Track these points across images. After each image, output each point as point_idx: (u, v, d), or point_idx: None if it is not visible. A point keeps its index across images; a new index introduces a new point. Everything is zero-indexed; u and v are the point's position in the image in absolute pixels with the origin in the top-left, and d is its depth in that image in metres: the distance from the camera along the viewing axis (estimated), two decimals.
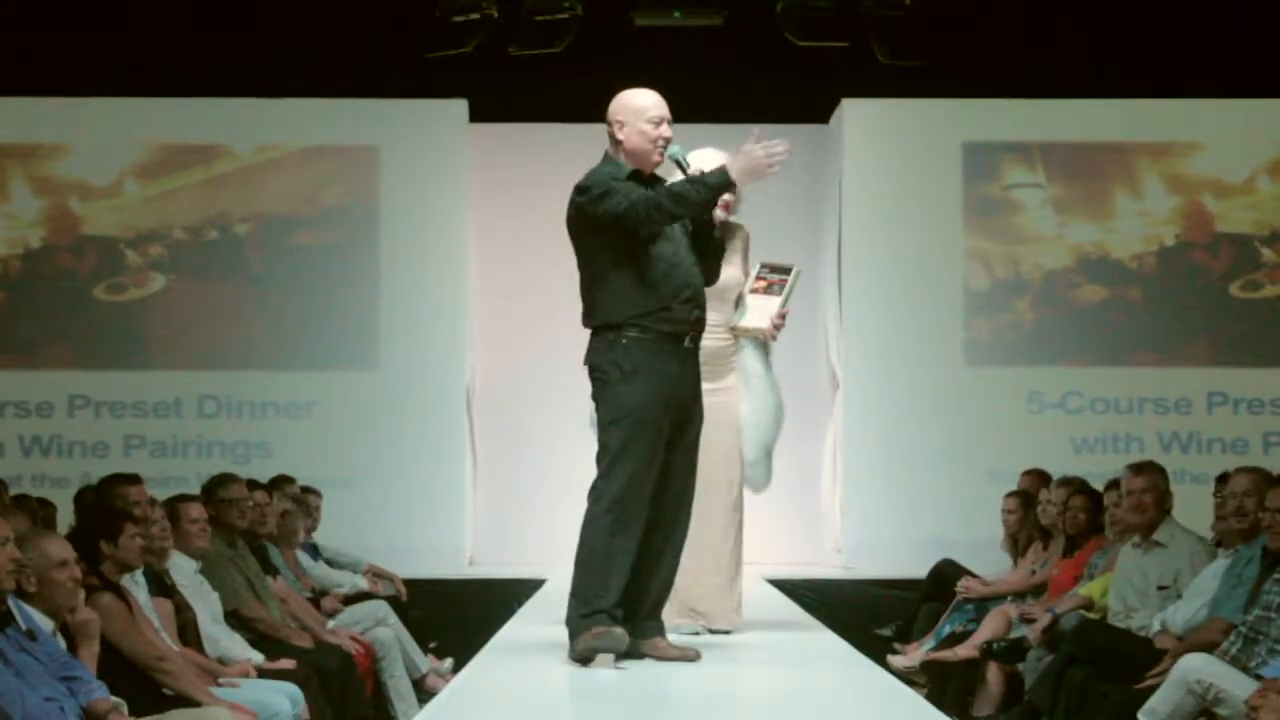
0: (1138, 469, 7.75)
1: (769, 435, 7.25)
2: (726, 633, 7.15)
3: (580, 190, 6.06)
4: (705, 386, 6.99)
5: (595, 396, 6.14)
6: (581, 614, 6.02)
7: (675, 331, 6.10)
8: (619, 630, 5.98)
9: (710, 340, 7.10)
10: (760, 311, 7.15)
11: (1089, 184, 12.16)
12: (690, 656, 6.27)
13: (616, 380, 6.02)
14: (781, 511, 10.66)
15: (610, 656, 6.01)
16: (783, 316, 7.11)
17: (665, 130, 6.15)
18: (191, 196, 12.18)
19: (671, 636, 6.49)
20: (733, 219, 7.28)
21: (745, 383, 7.21)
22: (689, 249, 6.23)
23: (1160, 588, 7.44)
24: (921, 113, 12.18)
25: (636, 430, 6.00)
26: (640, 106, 6.18)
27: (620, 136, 6.15)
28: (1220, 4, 11.83)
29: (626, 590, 6.10)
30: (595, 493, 6.05)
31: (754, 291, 7.19)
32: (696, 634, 7.05)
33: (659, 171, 6.30)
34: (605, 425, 6.08)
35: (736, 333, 7.18)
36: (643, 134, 6.13)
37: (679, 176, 6.15)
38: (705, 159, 6.85)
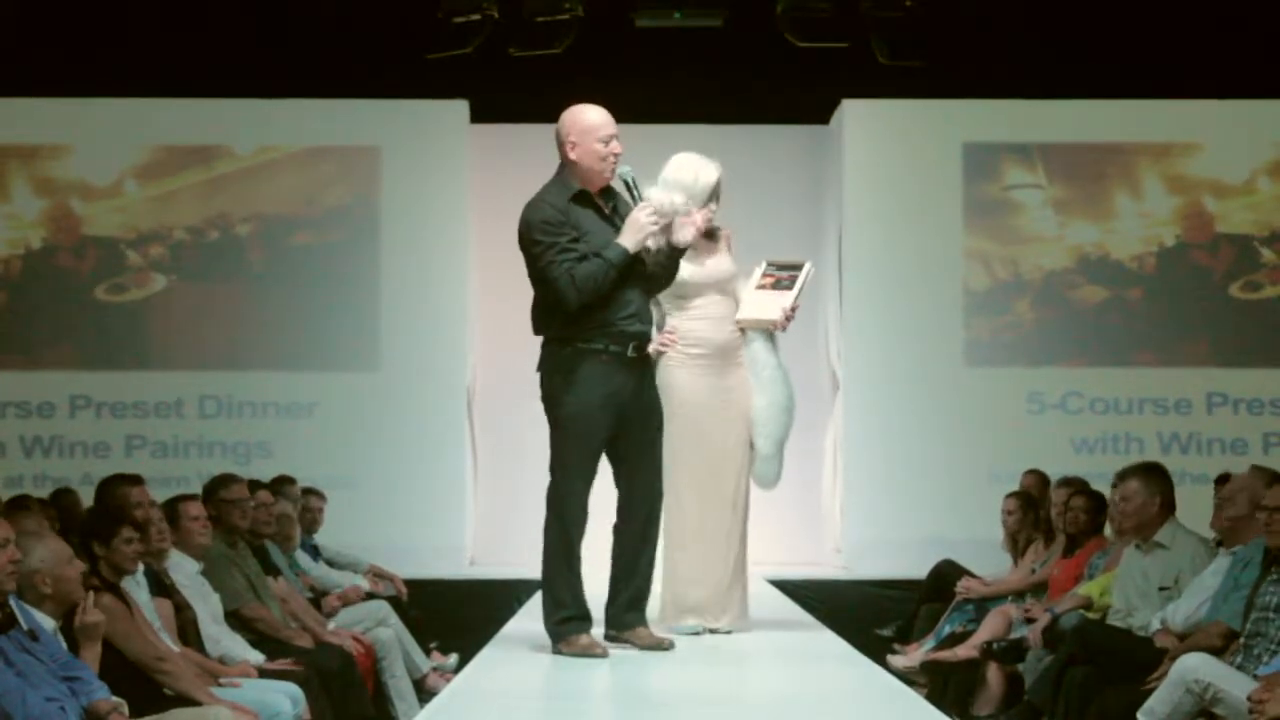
0: (1119, 477, 7.77)
1: (782, 428, 7.22)
2: (727, 633, 7.16)
3: (527, 226, 6.35)
4: (712, 384, 7.07)
5: (543, 405, 6.49)
6: (556, 620, 6.43)
7: (618, 345, 6.38)
8: (600, 645, 6.39)
9: (717, 333, 7.13)
10: (770, 303, 7.17)
11: (1089, 185, 12.16)
12: (665, 645, 6.53)
13: (559, 390, 6.40)
14: (782, 512, 10.65)
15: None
16: (794, 309, 7.13)
17: (615, 147, 6.41)
18: (192, 197, 12.17)
19: (671, 634, 6.68)
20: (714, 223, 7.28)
21: (756, 375, 7.19)
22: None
23: (1162, 588, 7.44)
24: (921, 113, 12.18)
25: (577, 438, 6.41)
26: (591, 125, 6.40)
27: (573, 156, 6.40)
28: (1219, 4, 11.82)
29: (610, 585, 6.55)
30: (547, 499, 6.49)
31: (760, 287, 7.22)
32: (697, 633, 7.07)
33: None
34: (552, 433, 6.48)
35: (744, 325, 7.18)
36: (594, 153, 6.38)
37: (627, 196, 6.49)
38: (685, 165, 6.97)
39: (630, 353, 6.42)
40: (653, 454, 6.60)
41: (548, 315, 6.41)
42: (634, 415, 6.48)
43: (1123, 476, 7.74)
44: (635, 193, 6.51)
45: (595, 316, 6.34)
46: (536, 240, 6.31)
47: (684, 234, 6.50)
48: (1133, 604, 7.52)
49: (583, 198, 6.40)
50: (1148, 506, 7.59)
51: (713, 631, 7.12)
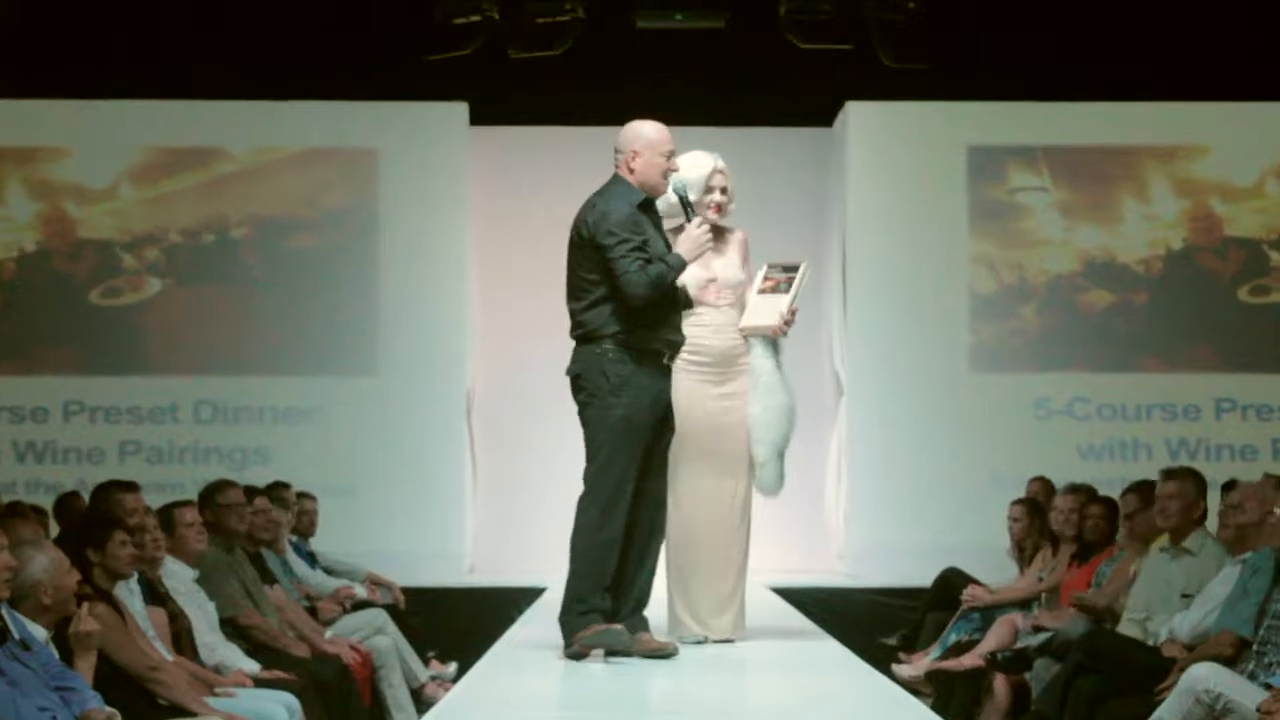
0: (1168, 474, 7.73)
1: (779, 435, 7.12)
2: (730, 642, 7.09)
3: (604, 217, 6.46)
4: (712, 391, 7.03)
5: (582, 406, 6.55)
6: (579, 612, 6.44)
7: (660, 350, 6.59)
8: (618, 627, 6.43)
9: (718, 340, 7.07)
10: (769, 309, 7.11)
11: (1095, 188, 12.12)
12: (667, 651, 6.57)
13: (605, 392, 6.47)
14: (785, 519, 10.58)
15: (601, 651, 6.42)
16: (793, 313, 7.10)
17: (674, 163, 6.67)
18: (189, 200, 12.13)
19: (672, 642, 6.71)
20: (725, 221, 7.22)
21: (754, 382, 7.12)
22: None
23: (1184, 595, 7.38)
24: (926, 116, 12.15)
25: (624, 440, 6.47)
26: (655, 139, 6.62)
27: (634, 166, 6.60)
28: (1226, 6, 11.77)
29: (614, 589, 6.57)
30: (585, 499, 6.50)
31: (762, 291, 7.17)
32: (700, 642, 7.03)
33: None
34: (594, 435, 6.51)
35: (745, 332, 7.11)
36: (657, 167, 6.61)
37: (681, 209, 6.75)
38: (694, 161, 7.03)
39: (665, 360, 6.63)
40: (663, 460, 6.74)
41: (607, 315, 6.48)
42: (662, 420, 6.65)
43: (1170, 475, 7.70)
44: (688, 206, 6.77)
45: (650, 321, 6.51)
46: (613, 232, 6.44)
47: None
48: (1153, 608, 7.49)
49: (645, 206, 6.60)
50: (1193, 509, 7.57)
51: (715, 641, 7.05)
